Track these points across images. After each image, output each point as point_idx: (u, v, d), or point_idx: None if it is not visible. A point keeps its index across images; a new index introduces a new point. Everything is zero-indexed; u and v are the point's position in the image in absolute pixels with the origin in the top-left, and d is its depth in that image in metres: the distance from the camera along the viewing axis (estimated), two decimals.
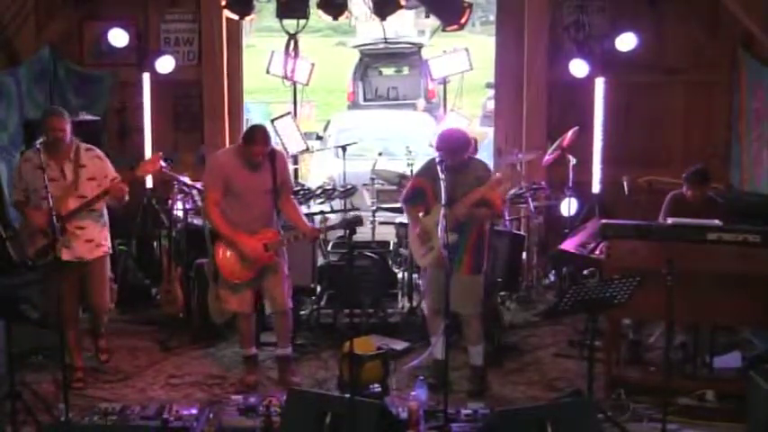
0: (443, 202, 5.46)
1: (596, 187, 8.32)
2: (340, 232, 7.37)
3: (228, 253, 5.85)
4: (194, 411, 5.34)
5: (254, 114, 13.27)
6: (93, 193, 5.77)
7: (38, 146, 5.54)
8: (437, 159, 5.68)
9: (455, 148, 5.72)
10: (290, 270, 6.07)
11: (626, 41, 7.96)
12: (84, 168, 5.82)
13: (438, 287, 5.54)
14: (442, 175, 5.53)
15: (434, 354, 6.00)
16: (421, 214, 5.92)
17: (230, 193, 5.80)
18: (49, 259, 5.57)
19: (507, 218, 7.70)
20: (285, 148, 7.74)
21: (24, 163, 5.84)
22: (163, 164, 6.07)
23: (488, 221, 6.11)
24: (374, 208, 7.64)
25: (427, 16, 8.19)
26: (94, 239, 5.90)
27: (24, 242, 5.91)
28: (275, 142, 6.59)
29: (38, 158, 5.52)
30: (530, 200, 7.69)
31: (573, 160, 7.91)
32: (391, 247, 7.70)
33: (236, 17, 7.77)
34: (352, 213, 7.31)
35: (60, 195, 5.67)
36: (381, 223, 7.72)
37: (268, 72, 8.21)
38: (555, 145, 7.89)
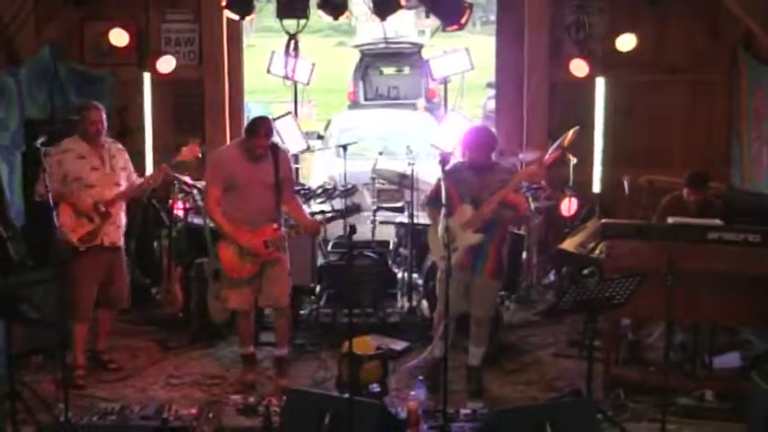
0: (461, 201, 5.46)
1: (596, 187, 8.32)
2: (340, 231, 7.38)
3: (230, 248, 5.86)
4: (194, 411, 5.34)
5: (254, 114, 13.25)
6: (125, 182, 6.13)
7: (39, 145, 5.59)
8: (438, 160, 5.68)
9: (481, 144, 5.73)
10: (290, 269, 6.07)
11: (626, 41, 7.96)
12: (116, 159, 6.14)
13: (458, 290, 5.51)
14: (441, 175, 5.52)
15: (434, 353, 5.99)
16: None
17: (233, 188, 5.82)
18: (94, 244, 5.97)
19: None
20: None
21: (65, 153, 5.96)
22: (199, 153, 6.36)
23: (512, 225, 6.10)
24: (374, 208, 7.64)
25: (427, 16, 8.17)
26: (121, 226, 6.21)
27: (63, 232, 5.77)
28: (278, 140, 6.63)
29: (80, 148, 5.95)
30: (530, 200, 7.68)
31: (573, 160, 7.91)
32: (391, 247, 7.70)
33: (236, 17, 7.77)
34: (351, 201, 7.38)
35: (104, 183, 6.00)
36: (381, 223, 7.72)
37: (269, 72, 8.22)
38: (555, 145, 7.88)
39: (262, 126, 5.80)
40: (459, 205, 5.68)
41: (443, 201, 5.42)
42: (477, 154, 5.72)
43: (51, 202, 5.31)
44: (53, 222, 5.26)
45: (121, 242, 6.24)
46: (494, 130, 6.32)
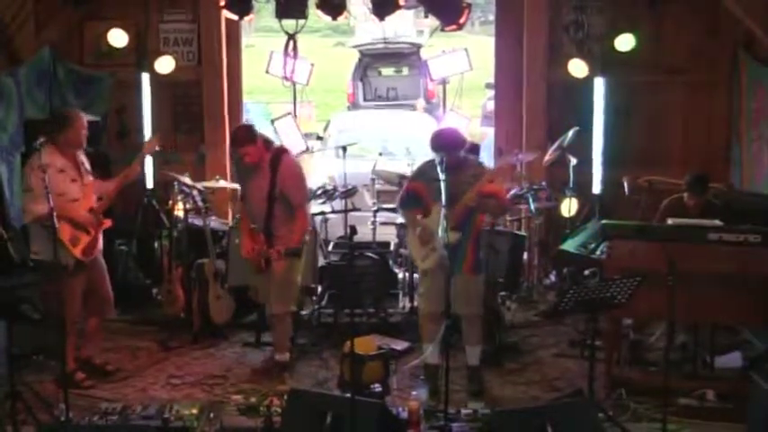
0: (443, 202, 5.44)
1: (596, 187, 8.32)
2: (341, 232, 7.39)
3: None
4: (195, 411, 5.33)
5: (253, 114, 13.26)
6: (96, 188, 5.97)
7: (38, 146, 5.55)
8: (437, 160, 5.67)
9: (450, 144, 5.70)
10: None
11: (626, 41, 7.97)
12: (84, 165, 5.95)
13: (441, 289, 5.51)
14: (442, 176, 5.51)
15: (427, 359, 5.97)
16: (419, 217, 5.86)
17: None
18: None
19: (507, 218, 7.72)
20: None
21: (48, 167, 5.42)
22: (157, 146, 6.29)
23: (494, 215, 6.11)
24: (375, 208, 7.64)
25: (426, 16, 8.19)
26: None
27: (61, 248, 5.48)
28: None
29: (57, 161, 5.67)
30: (530, 200, 7.69)
31: (573, 160, 7.91)
32: (392, 248, 7.69)
33: (235, 17, 7.78)
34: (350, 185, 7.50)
35: (84, 194, 5.82)
36: (382, 223, 7.72)
37: (267, 72, 8.23)
38: (555, 145, 7.89)
39: (237, 134, 5.90)
40: (433, 205, 5.67)
41: (443, 200, 5.42)
42: (446, 155, 5.67)
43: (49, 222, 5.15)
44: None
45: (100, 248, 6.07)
46: (460, 129, 6.28)
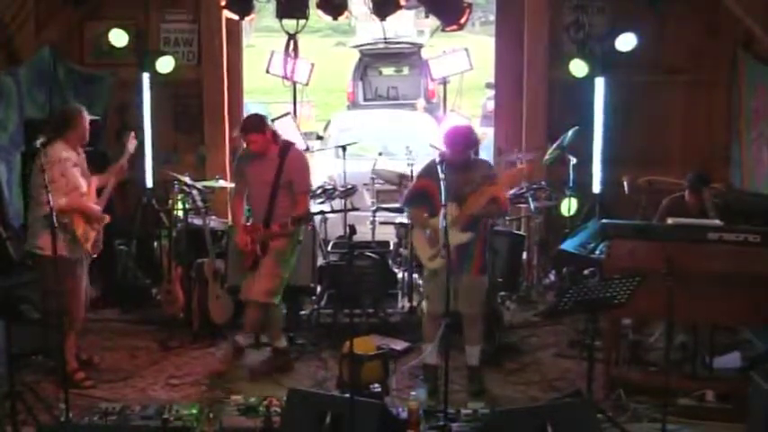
0: (443, 201, 5.43)
1: (596, 187, 8.31)
2: (340, 231, 7.38)
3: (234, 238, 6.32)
4: (194, 411, 5.33)
5: None
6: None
7: (39, 145, 5.55)
8: (437, 159, 5.66)
9: (462, 143, 5.70)
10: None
11: (626, 41, 7.96)
12: (84, 162, 5.97)
13: (444, 291, 5.50)
14: (441, 175, 5.50)
15: (427, 359, 5.96)
16: (425, 215, 5.83)
17: (247, 184, 6.21)
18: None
19: (507, 217, 7.71)
20: None
21: (66, 162, 5.65)
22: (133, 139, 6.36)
23: (492, 217, 6.14)
24: (374, 208, 7.64)
25: (427, 16, 8.21)
26: None
27: (73, 242, 5.63)
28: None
29: (71, 155, 5.72)
30: (530, 200, 7.68)
31: (573, 160, 7.91)
32: (391, 247, 7.69)
33: (235, 17, 7.79)
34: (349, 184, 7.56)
35: (89, 189, 5.86)
36: (381, 223, 7.72)
37: (268, 72, 8.23)
38: (555, 145, 7.89)
39: (247, 122, 6.13)
40: (442, 206, 5.65)
41: (443, 200, 5.41)
42: (456, 154, 5.68)
43: (55, 219, 5.08)
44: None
45: None
46: (475, 128, 6.29)
